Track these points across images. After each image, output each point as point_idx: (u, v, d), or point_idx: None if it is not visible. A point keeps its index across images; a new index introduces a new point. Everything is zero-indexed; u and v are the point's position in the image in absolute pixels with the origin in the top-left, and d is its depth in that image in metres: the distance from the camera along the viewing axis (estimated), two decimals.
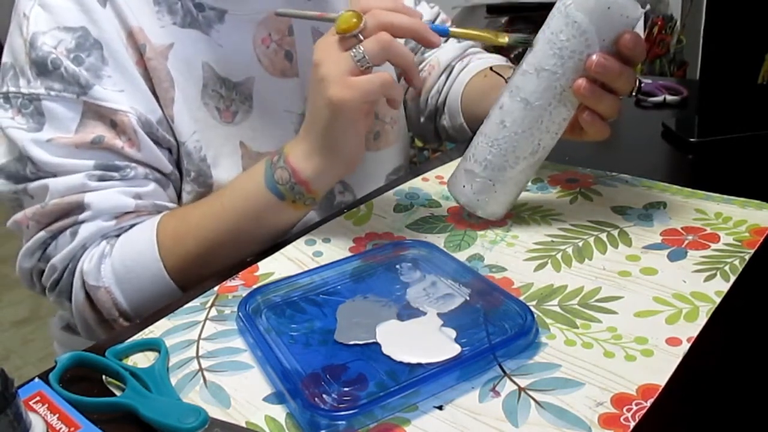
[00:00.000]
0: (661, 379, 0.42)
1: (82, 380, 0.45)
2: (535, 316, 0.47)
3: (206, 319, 0.52)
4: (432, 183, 0.73)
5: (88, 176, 0.62)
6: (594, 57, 0.54)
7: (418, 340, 0.47)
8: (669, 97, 0.96)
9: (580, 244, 0.58)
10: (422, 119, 0.92)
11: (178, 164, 0.69)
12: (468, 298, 0.51)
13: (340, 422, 0.39)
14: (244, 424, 0.41)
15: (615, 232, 0.59)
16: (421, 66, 0.90)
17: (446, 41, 0.89)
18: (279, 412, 0.42)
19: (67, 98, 0.62)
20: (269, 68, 0.73)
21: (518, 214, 0.64)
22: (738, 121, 0.82)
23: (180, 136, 0.67)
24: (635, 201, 0.65)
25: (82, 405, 0.42)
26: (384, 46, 0.55)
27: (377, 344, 0.46)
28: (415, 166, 0.83)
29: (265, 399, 0.43)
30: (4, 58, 0.65)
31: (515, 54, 2.13)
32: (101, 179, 0.63)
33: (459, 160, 0.64)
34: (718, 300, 0.49)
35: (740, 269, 0.52)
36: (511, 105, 0.58)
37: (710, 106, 0.90)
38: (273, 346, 0.46)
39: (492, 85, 0.77)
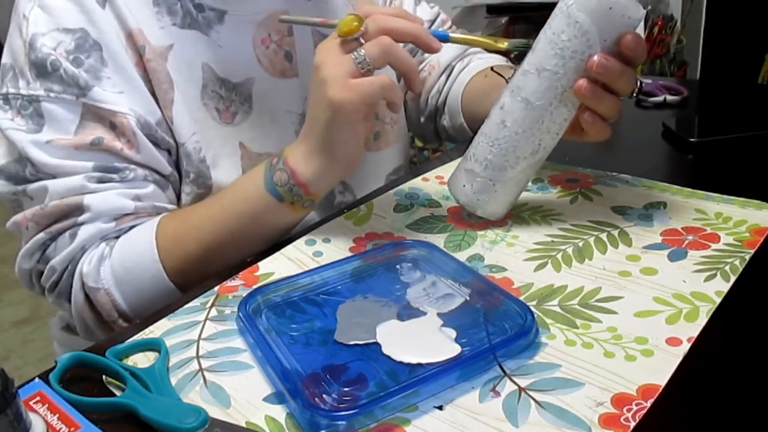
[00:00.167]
0: (661, 379, 0.42)
1: (82, 380, 0.45)
2: (535, 316, 0.47)
3: (206, 319, 0.52)
4: (432, 183, 0.73)
5: (87, 178, 0.62)
6: (595, 57, 0.54)
7: (418, 340, 0.47)
8: (669, 97, 0.96)
9: (580, 244, 0.58)
10: (422, 119, 0.93)
11: (177, 165, 0.69)
12: (468, 298, 0.51)
13: (340, 422, 0.39)
14: (244, 424, 0.41)
15: (615, 232, 0.59)
16: (421, 66, 0.90)
17: None
18: (279, 412, 0.42)
19: (67, 100, 0.62)
20: (269, 69, 0.73)
21: (518, 214, 0.64)
22: (738, 121, 0.82)
23: (179, 138, 0.67)
24: (635, 201, 0.65)
25: (82, 405, 0.42)
26: (385, 50, 0.55)
27: (377, 344, 0.46)
28: (415, 166, 0.83)
29: (265, 399, 0.43)
30: (4, 59, 0.65)
31: (515, 54, 2.13)
32: (100, 181, 0.63)
33: (459, 159, 0.65)
34: (718, 300, 0.49)
35: (740, 269, 0.52)
36: (512, 105, 0.58)
37: (710, 106, 0.90)
38: (273, 346, 0.46)
39: (492, 86, 0.77)
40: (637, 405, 0.40)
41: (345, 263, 0.56)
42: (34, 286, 0.69)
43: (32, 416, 0.39)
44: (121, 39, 0.64)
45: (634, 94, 0.61)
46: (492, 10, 2.25)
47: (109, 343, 0.49)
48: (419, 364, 0.44)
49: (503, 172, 0.60)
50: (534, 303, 0.50)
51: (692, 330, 0.46)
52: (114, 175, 0.64)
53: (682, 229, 0.59)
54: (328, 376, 0.43)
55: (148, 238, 0.63)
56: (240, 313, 0.49)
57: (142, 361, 0.48)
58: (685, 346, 0.44)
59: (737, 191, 0.64)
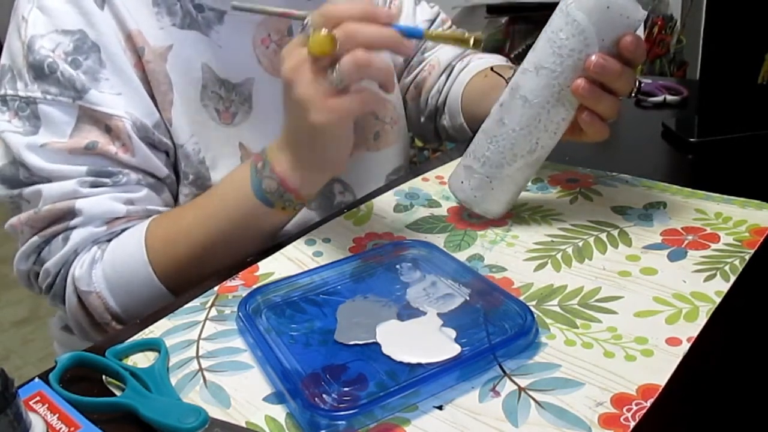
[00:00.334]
0: (661, 379, 0.42)
1: (82, 380, 0.45)
2: (535, 316, 0.47)
3: (206, 319, 0.52)
4: (432, 183, 0.73)
5: (80, 183, 0.63)
6: (593, 57, 0.54)
7: (418, 340, 0.47)
8: (669, 97, 0.96)
9: (580, 244, 0.58)
10: (422, 119, 0.93)
11: (175, 167, 0.69)
12: (468, 298, 0.51)
13: (340, 422, 0.39)
14: (244, 424, 0.41)
15: (615, 232, 0.59)
16: (421, 66, 0.90)
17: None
18: (279, 412, 0.42)
19: (63, 102, 0.62)
20: (269, 69, 0.73)
21: (518, 214, 0.64)
22: (738, 121, 0.82)
23: (178, 139, 0.67)
24: (635, 201, 0.65)
25: (82, 405, 0.42)
26: (360, 67, 0.51)
27: (377, 344, 0.46)
28: (415, 166, 0.83)
29: (265, 399, 0.43)
30: (3, 61, 0.65)
31: (515, 54, 2.14)
32: (93, 185, 0.63)
33: (459, 159, 0.65)
34: (718, 300, 0.49)
35: (740, 269, 0.52)
36: (511, 102, 0.59)
37: (710, 106, 0.90)
38: (273, 346, 0.46)
39: (492, 85, 0.77)
40: (636, 405, 0.40)
41: (345, 263, 0.56)
42: (33, 286, 0.69)
43: (32, 416, 0.39)
44: (120, 40, 0.64)
45: (633, 94, 0.61)
46: (492, 10, 2.25)
47: (109, 343, 0.49)
48: (419, 364, 0.44)
49: (500, 169, 0.60)
50: (534, 303, 0.50)
51: (692, 330, 0.46)
52: (107, 180, 0.64)
53: (682, 229, 0.59)
54: (328, 376, 0.43)
55: (137, 241, 0.63)
56: (240, 313, 0.49)
57: (142, 361, 0.48)
58: (685, 346, 0.44)
59: (737, 191, 0.64)
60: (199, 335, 0.50)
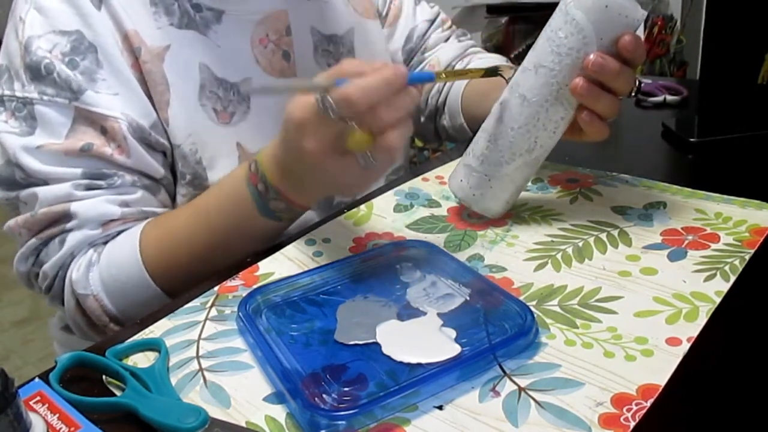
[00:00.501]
0: (661, 379, 0.42)
1: (82, 380, 0.45)
2: (535, 316, 0.47)
3: (206, 319, 0.52)
4: (432, 183, 0.73)
5: (75, 186, 0.63)
6: (591, 56, 0.54)
7: (418, 340, 0.47)
8: (669, 97, 0.96)
9: (580, 244, 0.58)
10: (422, 119, 0.93)
11: (172, 167, 0.69)
12: (468, 298, 0.51)
13: (340, 422, 0.39)
14: (244, 424, 0.41)
15: (615, 232, 0.59)
16: (421, 65, 0.90)
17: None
18: (279, 412, 0.42)
19: (59, 103, 0.62)
20: (267, 68, 0.73)
21: (518, 214, 0.64)
22: (738, 121, 0.82)
23: (175, 139, 0.67)
24: (635, 201, 0.65)
25: (82, 405, 0.42)
26: (392, 153, 0.51)
27: (377, 344, 0.46)
28: (415, 166, 0.83)
29: (265, 399, 0.43)
30: (0, 61, 0.65)
31: (516, 54, 2.14)
32: (88, 188, 0.63)
33: (459, 159, 0.65)
34: (718, 300, 0.49)
35: (740, 269, 0.52)
36: (510, 101, 0.59)
37: (710, 106, 0.90)
38: (273, 346, 0.46)
39: (492, 86, 0.77)
40: (636, 405, 0.40)
41: (345, 263, 0.56)
42: (34, 287, 0.69)
43: (32, 416, 0.39)
44: (117, 41, 0.64)
45: (633, 94, 0.61)
46: (492, 10, 2.25)
47: (109, 343, 0.49)
48: (419, 364, 0.44)
49: (499, 167, 0.60)
50: (534, 303, 0.50)
51: (692, 330, 0.46)
52: (101, 182, 0.64)
53: (682, 229, 0.59)
54: (328, 376, 0.43)
55: (132, 245, 0.63)
56: (240, 313, 0.49)
57: (142, 361, 0.48)
58: (685, 346, 0.44)
59: (737, 191, 0.64)
60: (199, 335, 0.50)
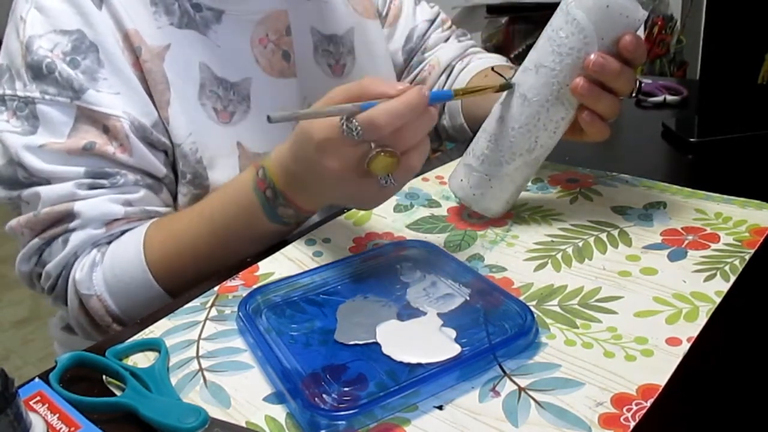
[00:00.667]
0: (661, 379, 0.42)
1: (82, 380, 0.45)
2: (535, 316, 0.47)
3: (206, 319, 0.52)
4: (432, 183, 0.73)
5: (78, 185, 0.63)
6: (592, 56, 0.54)
7: (418, 340, 0.47)
8: (669, 97, 0.96)
9: (580, 244, 0.58)
10: None
11: (173, 167, 0.69)
12: (468, 298, 0.51)
13: (340, 422, 0.39)
14: (244, 424, 0.41)
15: (615, 232, 0.59)
16: (421, 65, 0.90)
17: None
18: (279, 412, 0.42)
19: (61, 102, 0.62)
20: (267, 68, 0.73)
21: (518, 214, 0.64)
22: (738, 121, 0.82)
23: (175, 139, 0.67)
24: (635, 201, 0.65)
25: (82, 405, 0.42)
26: (414, 172, 0.53)
27: (377, 344, 0.46)
28: None
29: (265, 399, 0.43)
30: (1, 60, 0.65)
31: (516, 54, 2.14)
32: (91, 187, 0.63)
33: (459, 158, 0.65)
34: (718, 300, 0.49)
35: (740, 269, 0.52)
36: (510, 101, 0.59)
37: (710, 106, 0.90)
38: (273, 346, 0.46)
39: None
40: (636, 405, 0.40)
41: (345, 263, 0.56)
42: (36, 287, 0.69)
43: (32, 416, 0.39)
44: (117, 40, 0.65)
45: (634, 94, 0.61)
46: (492, 10, 2.25)
47: (109, 343, 0.49)
48: (419, 364, 0.44)
49: (499, 167, 0.60)
50: (534, 303, 0.50)
51: (692, 330, 0.46)
52: (104, 181, 0.64)
53: (682, 229, 0.59)
54: (328, 376, 0.43)
55: (136, 246, 0.63)
56: (240, 313, 0.49)
57: (142, 361, 0.48)
58: (685, 346, 0.44)
59: (737, 191, 0.64)
60: (199, 335, 0.50)
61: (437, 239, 0.61)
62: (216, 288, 0.56)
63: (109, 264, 0.63)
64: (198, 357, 0.47)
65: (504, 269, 0.55)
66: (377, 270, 0.56)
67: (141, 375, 0.44)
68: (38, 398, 0.42)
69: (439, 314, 0.49)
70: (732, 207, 0.62)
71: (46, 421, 0.40)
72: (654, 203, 0.64)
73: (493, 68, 0.79)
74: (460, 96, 0.56)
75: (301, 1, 0.77)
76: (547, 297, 0.51)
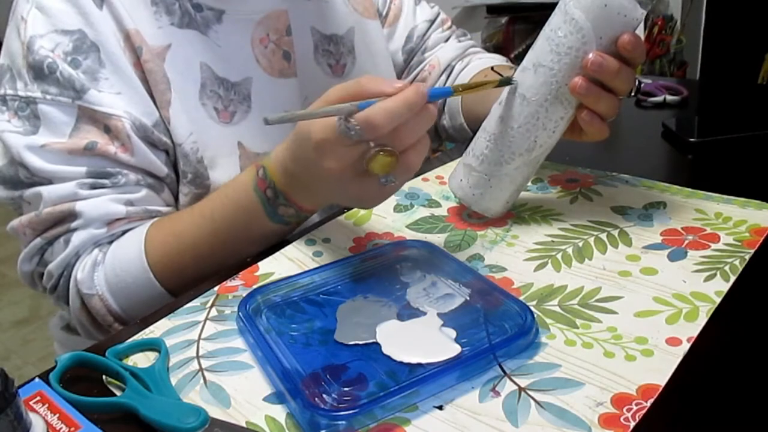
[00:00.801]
0: (661, 379, 0.42)
1: (82, 380, 0.45)
2: (535, 316, 0.47)
3: (206, 319, 0.52)
4: (432, 183, 0.73)
5: (80, 185, 0.63)
6: (591, 55, 0.54)
7: (418, 340, 0.47)
8: (669, 97, 0.96)
9: (580, 244, 0.58)
10: None
11: (175, 166, 0.69)
12: (468, 298, 0.51)
13: (340, 422, 0.39)
14: (244, 424, 0.41)
15: (615, 232, 0.59)
16: (421, 65, 0.90)
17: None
18: (279, 412, 0.42)
19: (63, 102, 0.62)
20: (267, 68, 0.73)
21: (518, 214, 0.64)
22: (738, 121, 0.82)
23: (176, 138, 0.67)
24: (635, 201, 0.65)
25: (82, 405, 0.42)
26: (413, 170, 0.52)
27: (377, 344, 0.46)
28: None
29: (265, 399, 0.43)
30: (2, 60, 0.65)
31: (516, 54, 2.14)
32: (92, 187, 0.63)
33: (460, 158, 0.65)
34: (718, 300, 0.49)
35: (740, 269, 0.52)
36: (510, 100, 0.59)
37: (710, 106, 0.90)
38: (273, 346, 0.46)
39: None
40: (637, 405, 0.40)
41: (345, 263, 0.56)
42: (37, 286, 0.69)
43: (32, 416, 0.39)
44: (118, 40, 0.65)
45: (633, 94, 0.60)
46: (492, 10, 2.25)
47: (109, 343, 0.49)
48: (419, 364, 0.44)
49: (498, 167, 0.60)
50: (534, 303, 0.50)
51: (692, 330, 0.46)
52: (106, 181, 0.64)
53: (682, 229, 0.59)
54: (328, 376, 0.43)
55: (137, 247, 0.63)
56: (240, 313, 0.49)
57: (142, 361, 0.48)
58: (685, 346, 0.44)
59: (737, 191, 0.64)
60: (200, 335, 0.50)
61: (437, 239, 0.61)
62: (216, 288, 0.56)
63: (111, 264, 0.63)
64: (198, 357, 0.47)
65: (504, 269, 0.55)
66: (377, 270, 0.56)
67: (141, 375, 0.44)
68: (38, 398, 0.42)
69: (439, 314, 0.49)
70: (732, 207, 0.62)
71: (46, 421, 0.40)
72: (654, 203, 0.64)
73: (492, 68, 0.80)
74: (460, 92, 0.55)
75: (301, 0, 0.77)
76: (547, 297, 0.51)
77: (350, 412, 0.39)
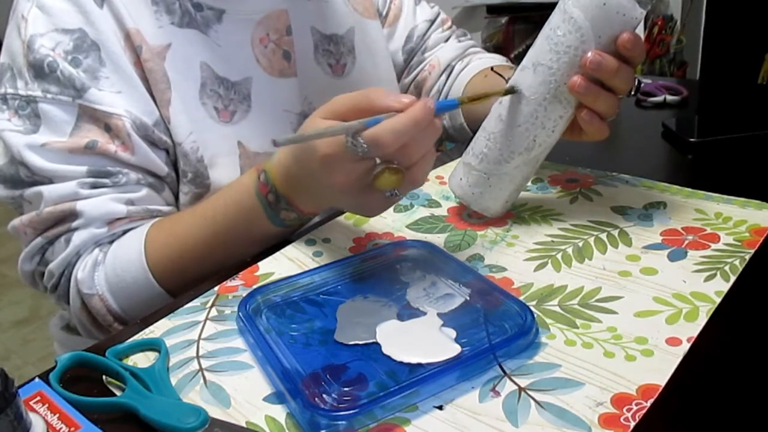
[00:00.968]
0: (661, 379, 0.42)
1: (82, 380, 0.45)
2: (535, 316, 0.47)
3: (206, 319, 0.52)
4: (432, 183, 0.73)
5: (80, 184, 0.63)
6: (589, 54, 0.54)
7: (418, 340, 0.47)
8: (669, 97, 0.96)
9: (580, 244, 0.58)
10: None
11: (175, 165, 0.69)
12: (468, 298, 0.51)
13: (340, 422, 0.39)
14: (244, 424, 0.41)
15: (615, 232, 0.59)
16: (421, 65, 0.90)
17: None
18: (279, 412, 0.42)
19: (63, 101, 0.62)
20: (267, 68, 0.73)
21: (518, 214, 0.64)
22: (738, 121, 0.82)
23: (176, 137, 0.67)
24: (635, 201, 0.65)
25: (82, 405, 0.42)
26: (418, 186, 0.53)
27: (377, 344, 0.46)
28: None
29: (265, 399, 0.43)
30: (2, 59, 0.65)
31: (516, 54, 2.14)
32: (93, 186, 0.63)
33: (459, 158, 0.65)
34: (718, 300, 0.49)
35: (740, 269, 0.52)
36: (509, 99, 0.59)
37: (710, 106, 0.90)
38: (273, 346, 0.46)
39: (492, 85, 0.77)
40: (637, 405, 0.40)
41: (345, 263, 0.56)
42: (38, 286, 0.69)
43: (32, 416, 0.39)
44: (119, 39, 0.65)
45: (633, 93, 0.61)
46: (492, 10, 2.25)
47: (109, 343, 0.49)
48: (419, 364, 0.44)
49: (498, 165, 0.60)
50: (534, 303, 0.50)
51: (692, 330, 0.46)
52: (106, 180, 0.64)
53: (682, 229, 0.59)
54: (328, 376, 0.43)
55: (137, 247, 0.63)
56: (240, 313, 0.49)
57: (142, 361, 0.48)
58: (685, 346, 0.44)
59: (737, 191, 0.64)
60: (200, 335, 0.50)
61: (437, 239, 0.61)
62: (216, 288, 0.56)
63: (111, 264, 0.63)
64: (198, 357, 0.47)
65: (504, 269, 0.55)
66: (377, 270, 0.56)
67: (141, 375, 0.44)
68: (38, 398, 0.42)
69: (439, 314, 0.49)
70: (732, 207, 0.62)
71: (46, 421, 0.40)
72: (654, 203, 0.64)
73: (492, 68, 0.80)
74: (465, 103, 0.56)
75: (301, 0, 0.77)
76: (547, 297, 0.51)
77: (350, 412, 0.39)
